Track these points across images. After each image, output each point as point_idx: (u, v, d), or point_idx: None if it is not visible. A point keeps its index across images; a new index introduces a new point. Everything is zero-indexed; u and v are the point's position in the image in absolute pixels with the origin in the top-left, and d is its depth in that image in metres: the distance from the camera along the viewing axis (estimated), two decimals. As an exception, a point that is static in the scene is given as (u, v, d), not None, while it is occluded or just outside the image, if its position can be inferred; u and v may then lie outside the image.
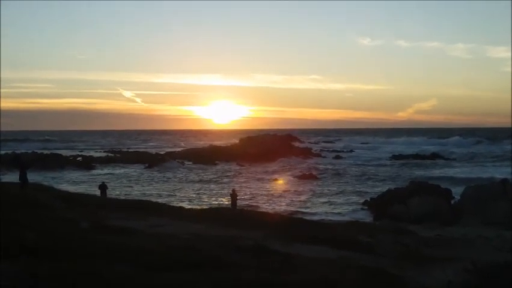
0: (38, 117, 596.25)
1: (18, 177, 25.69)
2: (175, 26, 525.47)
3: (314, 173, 67.94)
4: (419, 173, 69.34)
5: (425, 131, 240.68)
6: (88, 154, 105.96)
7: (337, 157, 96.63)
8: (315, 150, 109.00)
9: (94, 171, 74.31)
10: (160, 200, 40.04)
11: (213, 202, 44.60)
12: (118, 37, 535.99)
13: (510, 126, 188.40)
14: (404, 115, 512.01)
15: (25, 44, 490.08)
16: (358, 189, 52.89)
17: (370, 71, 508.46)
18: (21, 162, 26.99)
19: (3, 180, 30.01)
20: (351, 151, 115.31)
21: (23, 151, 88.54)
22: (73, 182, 59.30)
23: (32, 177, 26.08)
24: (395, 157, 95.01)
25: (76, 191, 34.68)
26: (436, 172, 70.20)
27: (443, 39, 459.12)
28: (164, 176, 66.78)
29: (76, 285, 7.65)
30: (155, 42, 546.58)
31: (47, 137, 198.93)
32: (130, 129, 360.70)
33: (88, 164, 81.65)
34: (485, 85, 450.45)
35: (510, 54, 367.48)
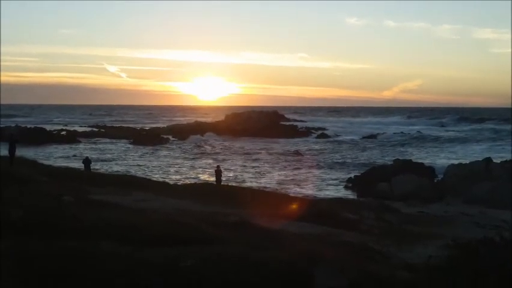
0: (22, 91, 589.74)
1: (5, 151, 25.57)
2: (163, 1, 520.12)
3: (299, 150, 68.17)
4: (403, 151, 69.84)
5: (410, 110, 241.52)
6: (72, 128, 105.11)
7: (322, 135, 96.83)
8: (301, 128, 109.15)
9: (78, 146, 73.85)
10: (144, 175, 39.99)
11: (198, 178, 44.62)
12: (104, 11, 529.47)
13: (495, 106, 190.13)
14: (390, 94, 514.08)
15: (10, 18, 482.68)
16: (343, 167, 53.18)
17: (357, 50, 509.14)
18: (12, 138, 26.73)
19: None
20: (338, 129, 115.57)
21: (6, 125, 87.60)
22: (57, 157, 58.92)
23: (16, 151, 25.89)
24: (381, 135, 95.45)
25: (60, 166, 34.47)
26: (421, 151, 70.72)
27: (429, 19, 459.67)
28: (148, 152, 66.57)
29: (61, 262, 7.63)
30: (142, 17, 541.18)
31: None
32: (114, 104, 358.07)
33: (72, 138, 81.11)
34: (471, 66, 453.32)
35: (496, 36, 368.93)
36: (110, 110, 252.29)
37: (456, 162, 45.93)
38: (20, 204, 11.63)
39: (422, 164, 45.57)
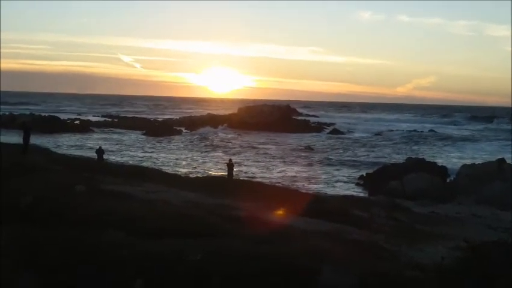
0: (34, 78, 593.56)
1: (15, 138, 25.71)
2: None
3: (311, 145, 67.99)
4: (416, 149, 69.42)
5: (423, 107, 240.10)
6: (85, 118, 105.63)
7: (334, 131, 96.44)
8: (313, 123, 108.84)
9: (91, 135, 74.21)
10: (156, 167, 40.10)
11: (209, 171, 44.67)
12: (119, 0, 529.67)
13: (510, 105, 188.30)
14: (402, 90, 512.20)
15: (24, 5, 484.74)
16: (355, 164, 52.96)
17: (370, 45, 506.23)
18: (26, 126, 26.85)
19: (4, 142, 29.97)
20: (350, 125, 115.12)
21: (20, 113, 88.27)
22: (70, 146, 59.25)
23: (30, 139, 26.07)
24: (393, 133, 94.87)
25: (73, 155, 34.66)
26: (433, 150, 70.26)
27: (444, 15, 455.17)
28: (161, 143, 66.75)
29: (68, 251, 7.67)
30: (157, 6, 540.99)
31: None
32: (128, 94, 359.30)
33: (85, 127, 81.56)
34: (485, 64, 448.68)
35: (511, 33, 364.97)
36: (122, 100, 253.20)
37: (468, 161, 45.62)
38: (30, 192, 11.70)
39: (435, 163, 45.23)
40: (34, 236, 7.96)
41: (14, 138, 33.31)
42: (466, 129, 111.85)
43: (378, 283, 7.92)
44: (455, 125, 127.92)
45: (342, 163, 53.55)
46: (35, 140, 34.44)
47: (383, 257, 12.15)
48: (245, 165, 48.87)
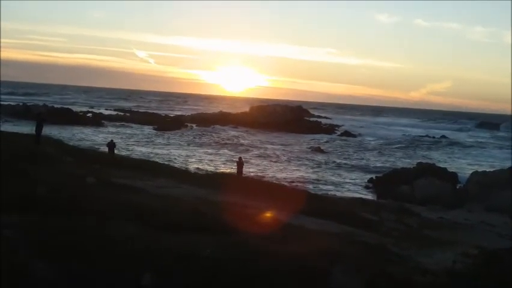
0: (48, 70, 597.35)
1: (28, 129, 25.90)
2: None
3: (322, 147, 67.91)
4: (426, 154, 69.12)
5: (437, 112, 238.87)
6: (98, 111, 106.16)
7: (346, 133, 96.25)
8: (324, 125, 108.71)
9: (103, 129, 74.57)
10: (167, 162, 40.24)
11: (219, 168, 44.76)
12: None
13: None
14: (416, 95, 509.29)
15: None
16: (365, 167, 52.87)
17: (386, 47, 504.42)
18: (40, 118, 27.03)
19: (18, 132, 30.26)
20: (362, 128, 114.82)
21: (34, 103, 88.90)
22: (82, 138, 59.60)
23: (43, 131, 26.26)
24: (404, 137, 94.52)
25: (84, 148, 34.87)
26: (444, 156, 69.92)
27: (462, 21, 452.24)
28: (172, 139, 66.97)
29: (82, 242, 7.75)
30: (176, 4, 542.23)
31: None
32: (141, 89, 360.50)
33: (97, 121, 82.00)
34: (502, 71, 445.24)
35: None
36: (135, 94, 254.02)
37: (479, 168, 45.36)
38: (43, 182, 11.81)
39: (445, 169, 45.04)
40: (49, 226, 8.04)
41: (27, 128, 33.51)
42: (478, 135, 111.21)
43: (387, 286, 7.93)
44: (468, 131, 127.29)
45: (352, 165, 53.45)
46: (48, 131, 34.71)
47: (391, 260, 12.13)
48: (254, 164, 48.91)
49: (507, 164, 47.98)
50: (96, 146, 45.45)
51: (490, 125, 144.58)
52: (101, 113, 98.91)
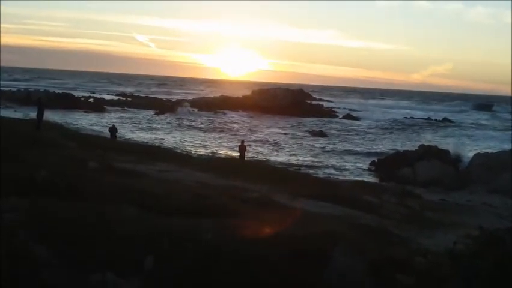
0: (47, 55, 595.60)
1: (27, 114, 25.95)
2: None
3: (323, 130, 67.85)
4: (427, 136, 69.02)
5: (439, 94, 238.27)
6: (99, 96, 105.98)
7: (348, 116, 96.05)
8: (326, 108, 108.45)
9: (105, 114, 74.52)
10: (168, 147, 40.27)
11: (221, 152, 44.78)
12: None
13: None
14: (418, 77, 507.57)
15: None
16: (366, 150, 52.84)
17: (387, 30, 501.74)
18: (40, 103, 27.07)
19: (19, 118, 30.33)
20: (363, 111, 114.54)
21: (35, 89, 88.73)
22: (83, 123, 59.57)
23: (44, 116, 26.27)
24: (406, 120, 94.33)
25: (86, 132, 34.89)
26: (446, 138, 69.84)
27: (463, 1, 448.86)
28: (173, 123, 66.92)
29: (83, 225, 7.77)
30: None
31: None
32: (142, 73, 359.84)
33: (99, 106, 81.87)
34: (504, 52, 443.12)
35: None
36: (136, 79, 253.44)
37: (480, 150, 45.31)
38: (44, 166, 11.82)
39: (447, 151, 44.95)
40: (51, 209, 8.06)
41: (27, 114, 33.56)
42: (481, 117, 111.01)
43: (388, 267, 7.95)
44: (470, 112, 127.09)
45: (354, 148, 53.42)
46: (49, 116, 34.70)
47: (393, 242, 12.17)
48: (256, 148, 48.91)
49: (507, 146, 47.96)
50: (98, 131, 45.44)
51: (484, 107, 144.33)
52: (102, 98, 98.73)
